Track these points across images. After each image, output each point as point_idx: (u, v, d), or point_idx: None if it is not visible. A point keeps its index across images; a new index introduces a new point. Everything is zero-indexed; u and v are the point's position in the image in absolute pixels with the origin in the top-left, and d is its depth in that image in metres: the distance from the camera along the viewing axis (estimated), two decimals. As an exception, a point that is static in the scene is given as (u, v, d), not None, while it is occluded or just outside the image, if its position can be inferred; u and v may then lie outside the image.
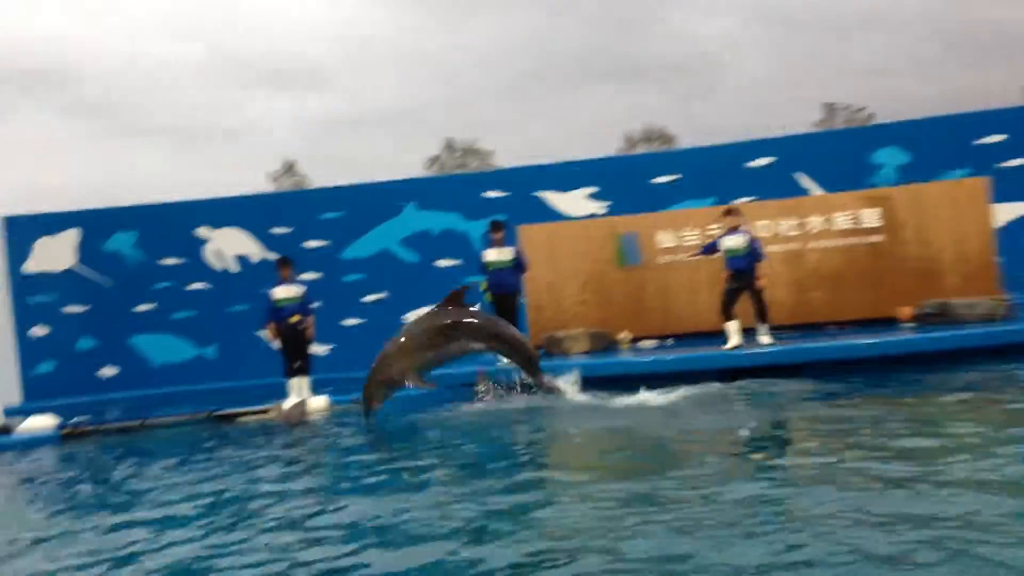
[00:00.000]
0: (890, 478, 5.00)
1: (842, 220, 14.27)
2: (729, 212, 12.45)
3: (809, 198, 15.43)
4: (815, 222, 14.35)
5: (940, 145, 17.00)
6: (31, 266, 18.76)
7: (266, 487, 6.52)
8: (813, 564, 3.69)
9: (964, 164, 16.74)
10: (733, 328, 11.95)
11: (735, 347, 11.73)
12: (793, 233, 14.40)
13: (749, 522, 4.39)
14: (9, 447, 10.38)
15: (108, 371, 18.77)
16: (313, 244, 18.72)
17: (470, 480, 6.19)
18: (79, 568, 4.68)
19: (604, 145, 52.65)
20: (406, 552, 4.39)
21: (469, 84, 68.98)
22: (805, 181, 17.39)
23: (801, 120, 53.47)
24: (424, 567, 4.14)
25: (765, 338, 11.89)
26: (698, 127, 61.79)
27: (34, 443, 10.52)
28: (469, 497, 5.51)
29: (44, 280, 18.77)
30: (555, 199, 18.32)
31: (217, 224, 18.95)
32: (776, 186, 16.83)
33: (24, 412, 13.05)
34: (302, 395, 12.27)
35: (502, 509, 5.16)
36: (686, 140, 47.34)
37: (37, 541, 5.42)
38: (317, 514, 5.47)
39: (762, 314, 12.01)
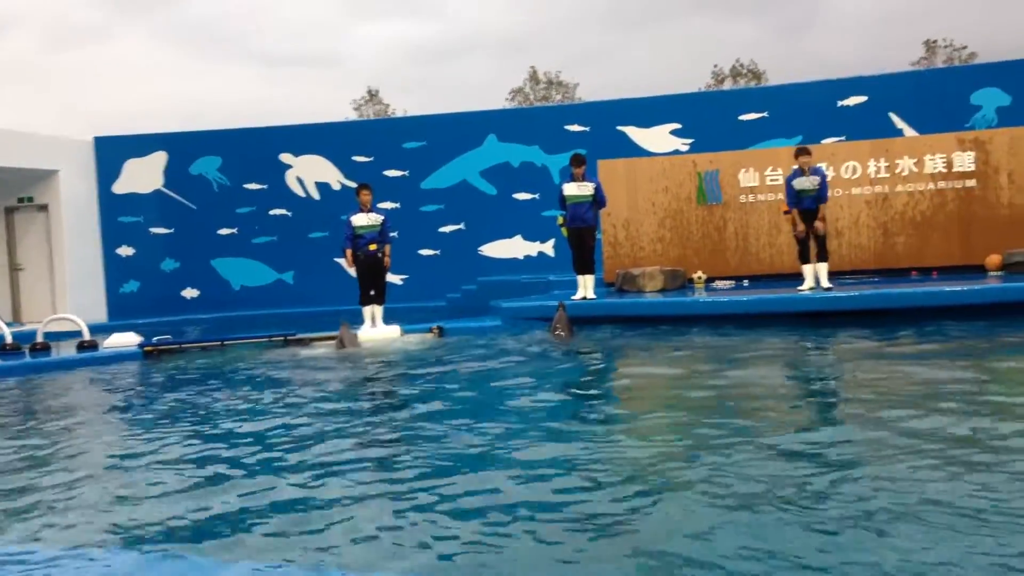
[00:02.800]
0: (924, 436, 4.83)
1: (933, 163, 13.73)
2: (803, 152, 12.11)
3: (900, 139, 14.88)
4: (905, 164, 13.84)
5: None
6: (120, 187, 19.27)
7: (330, 410, 6.64)
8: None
9: (1071, 107, 15.92)
10: (809, 271, 11.88)
11: (810, 289, 11.65)
12: (882, 175, 13.92)
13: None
14: (93, 362, 10.79)
15: (190, 292, 19.32)
16: (393, 173, 18.80)
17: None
18: (150, 477, 4.84)
19: (694, 81, 51.37)
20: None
21: (559, 15, 67.79)
22: (898, 122, 16.76)
23: (902, 58, 51.22)
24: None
25: (825, 282, 11.74)
26: (794, 64, 59.77)
27: (117, 359, 10.92)
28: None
29: (132, 201, 19.29)
30: (637, 134, 18.02)
31: (299, 151, 19.14)
32: (867, 126, 16.25)
33: (108, 329, 13.53)
34: (375, 323, 12.42)
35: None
36: (778, 77, 45.91)
37: (105, 451, 5.63)
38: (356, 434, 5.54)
39: (822, 256, 11.83)
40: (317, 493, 4.30)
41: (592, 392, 7.26)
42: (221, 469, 4.93)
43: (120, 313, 18.64)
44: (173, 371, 9.80)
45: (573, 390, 7.27)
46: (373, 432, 5.75)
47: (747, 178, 14.38)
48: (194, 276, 19.33)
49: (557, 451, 4.91)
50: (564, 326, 11.01)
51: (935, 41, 45.17)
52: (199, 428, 6.20)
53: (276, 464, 4.98)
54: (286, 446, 5.41)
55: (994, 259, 13.12)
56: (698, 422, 5.48)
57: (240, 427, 6.15)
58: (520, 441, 5.23)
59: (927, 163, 13.74)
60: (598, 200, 12.53)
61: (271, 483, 4.53)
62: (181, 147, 19.34)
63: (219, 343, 11.98)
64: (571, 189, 12.47)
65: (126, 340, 11.84)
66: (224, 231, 19.25)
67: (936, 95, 16.72)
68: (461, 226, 18.71)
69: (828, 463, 4.37)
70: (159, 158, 19.35)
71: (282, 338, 12.06)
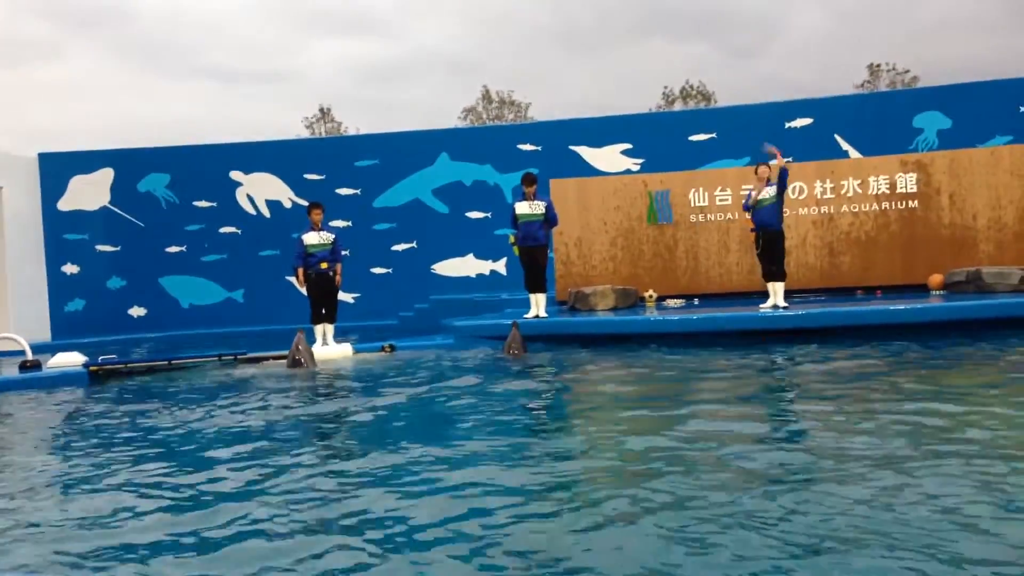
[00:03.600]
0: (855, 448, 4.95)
1: (877, 184, 14.04)
2: (761, 164, 12.18)
3: (845, 161, 15.19)
4: (850, 185, 14.13)
5: (984, 111, 16.64)
6: (65, 204, 18.96)
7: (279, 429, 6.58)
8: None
9: (1008, 131, 16.39)
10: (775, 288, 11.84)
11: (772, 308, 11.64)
12: (827, 196, 14.20)
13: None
14: (37, 383, 10.52)
15: (137, 311, 19.03)
16: (345, 192, 18.74)
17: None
18: (89, 506, 4.75)
19: (645, 101, 52.05)
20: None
21: (513, 36, 68.27)
22: (843, 144, 17.12)
23: (847, 81, 52.40)
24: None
25: (779, 301, 11.75)
26: (743, 86, 60.81)
27: (61, 380, 10.65)
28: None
29: (77, 218, 18.98)
30: (589, 154, 18.19)
31: (250, 169, 19.00)
32: (814, 148, 16.59)
33: (52, 349, 13.24)
34: (327, 341, 12.34)
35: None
36: (726, 99, 46.68)
37: (52, 477, 5.50)
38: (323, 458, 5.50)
39: (777, 275, 11.86)
40: (263, 524, 4.24)
41: (542, 414, 7.27)
42: (162, 497, 4.84)
43: (64, 332, 18.31)
44: (119, 392, 9.62)
45: (523, 412, 7.28)
46: (321, 455, 5.70)
47: (697, 198, 14.56)
48: (141, 294, 19.05)
49: (505, 477, 4.91)
50: (518, 345, 11.04)
51: (879, 65, 46.30)
52: (144, 453, 6.09)
53: (220, 493, 4.88)
54: (231, 474, 5.31)
55: (936, 278, 13.43)
56: (648, 446, 5.52)
57: (186, 453, 6.06)
58: (468, 465, 5.23)
59: (871, 184, 14.05)
60: (549, 219, 12.58)
61: (212, 514, 4.44)
62: (128, 164, 19.10)
63: (167, 363, 11.78)
64: (523, 208, 12.51)
65: (71, 360, 11.56)
66: (172, 249, 19.02)
67: (880, 118, 17.13)
68: (413, 244, 18.69)
69: (776, 491, 4.43)
70: (106, 175, 19.08)
71: (232, 357, 11.90)
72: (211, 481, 5.14)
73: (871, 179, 14.04)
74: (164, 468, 5.52)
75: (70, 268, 18.93)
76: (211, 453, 5.94)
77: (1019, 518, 3.69)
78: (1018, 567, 3.16)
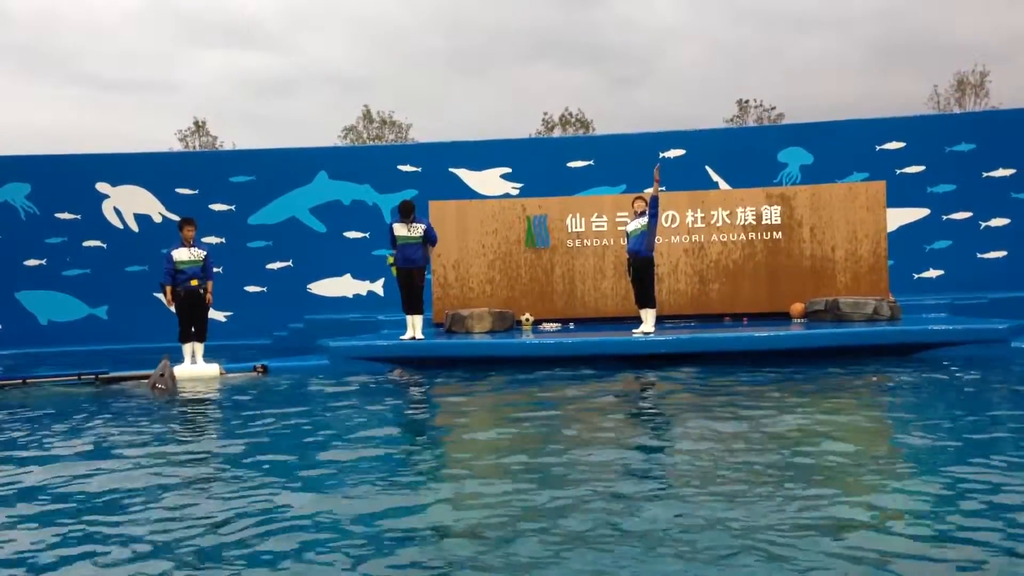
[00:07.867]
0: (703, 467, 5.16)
1: (744, 215, 14.59)
2: (638, 198, 12.53)
3: (714, 192, 15.72)
4: (719, 215, 14.64)
5: (843, 148, 17.55)
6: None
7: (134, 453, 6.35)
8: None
9: (864, 168, 17.32)
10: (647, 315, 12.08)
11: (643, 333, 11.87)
12: (698, 225, 14.67)
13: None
14: None
15: (-11, 326, 18.08)
16: (219, 207, 18.28)
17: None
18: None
19: (525, 126, 52.79)
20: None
21: (398, 55, 68.10)
22: (713, 175, 17.74)
23: (719, 115, 54.45)
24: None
25: (648, 327, 11.99)
26: (622, 114, 62.43)
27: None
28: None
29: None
30: (469, 177, 18.28)
31: (118, 181, 18.32)
32: (686, 178, 17.10)
33: None
34: (195, 361, 11.99)
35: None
36: (605, 127, 47.82)
37: None
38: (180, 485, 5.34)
39: (648, 302, 12.12)
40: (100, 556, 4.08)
41: (413, 438, 7.24)
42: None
43: (-92, 348, 17.18)
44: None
45: (393, 436, 7.23)
46: (176, 485, 5.52)
47: (574, 223, 14.82)
48: (-6, 309, 18.08)
49: (371, 506, 4.88)
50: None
51: (747, 101, 48.19)
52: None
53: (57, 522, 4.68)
54: (77, 500, 5.09)
55: (797, 307, 14.03)
56: (516, 469, 5.57)
57: (29, 477, 5.78)
58: (333, 494, 5.17)
59: (739, 215, 14.59)
60: (429, 239, 12.56)
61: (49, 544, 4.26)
62: (-15, 172, 18.14)
63: (20, 381, 11.22)
64: (401, 230, 12.46)
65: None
66: (31, 262, 18.13)
67: (747, 151, 17.83)
68: (289, 263, 18.38)
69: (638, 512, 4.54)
70: (-40, 182, 18.07)
71: (93, 377, 11.43)
72: (41, 508, 4.90)
73: (739, 210, 14.58)
74: None
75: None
76: (48, 476, 5.67)
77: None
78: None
